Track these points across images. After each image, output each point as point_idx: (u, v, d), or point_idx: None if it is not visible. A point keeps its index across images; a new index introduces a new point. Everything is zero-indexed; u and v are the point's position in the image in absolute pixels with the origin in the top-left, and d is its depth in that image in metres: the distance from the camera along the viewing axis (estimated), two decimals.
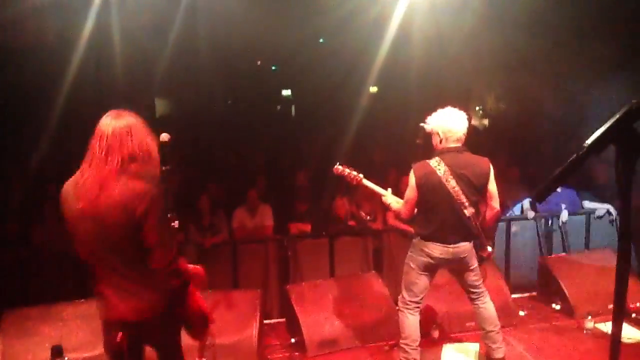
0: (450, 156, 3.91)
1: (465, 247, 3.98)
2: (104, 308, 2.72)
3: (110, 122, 2.59)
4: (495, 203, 4.02)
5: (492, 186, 4.01)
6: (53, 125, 9.01)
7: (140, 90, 11.46)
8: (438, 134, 3.96)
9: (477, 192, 3.94)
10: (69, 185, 2.62)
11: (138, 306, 2.65)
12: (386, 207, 4.39)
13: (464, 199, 3.87)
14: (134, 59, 9.38)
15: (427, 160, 3.96)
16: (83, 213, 2.52)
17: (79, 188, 2.55)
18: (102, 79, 9.90)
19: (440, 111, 3.98)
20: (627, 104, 1.60)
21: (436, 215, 3.91)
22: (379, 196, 4.32)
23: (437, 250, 3.93)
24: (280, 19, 9.31)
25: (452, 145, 3.93)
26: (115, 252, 2.57)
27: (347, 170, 4.31)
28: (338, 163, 4.37)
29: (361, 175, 4.30)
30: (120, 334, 2.66)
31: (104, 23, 7.65)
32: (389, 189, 4.28)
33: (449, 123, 3.92)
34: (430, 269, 4.04)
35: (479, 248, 4.08)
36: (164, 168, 3.75)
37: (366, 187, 4.32)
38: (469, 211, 3.90)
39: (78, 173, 2.60)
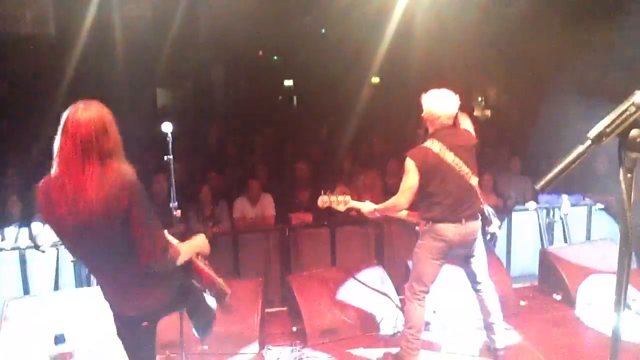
0: (442, 134, 3.92)
1: (475, 226, 3.98)
2: (111, 305, 2.73)
3: (82, 117, 2.42)
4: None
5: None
6: (54, 116, 9.02)
7: (142, 80, 11.45)
8: (428, 115, 3.98)
9: (473, 158, 3.98)
10: (44, 191, 2.46)
11: (143, 303, 2.66)
12: (371, 215, 4.30)
13: (465, 168, 3.89)
14: (136, 49, 9.37)
15: (422, 144, 3.97)
16: (65, 220, 2.41)
17: (57, 193, 2.40)
18: (103, 69, 9.89)
19: (429, 93, 3.97)
20: (630, 95, 1.60)
21: (444, 194, 3.88)
22: (365, 205, 4.28)
23: (450, 230, 3.90)
24: (282, 10, 9.28)
25: (441, 125, 3.94)
26: (106, 253, 2.50)
27: (333, 198, 4.26)
28: (322, 192, 4.31)
29: (349, 197, 4.27)
30: (145, 323, 2.71)
31: (105, 13, 7.63)
32: (367, 201, 4.27)
33: (435, 105, 3.93)
34: (443, 255, 3.99)
35: (486, 223, 4.09)
36: (165, 158, 3.77)
37: (353, 207, 4.29)
38: (473, 180, 3.92)
39: (53, 177, 2.45)
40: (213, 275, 2.92)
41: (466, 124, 4.16)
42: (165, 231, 2.68)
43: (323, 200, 4.28)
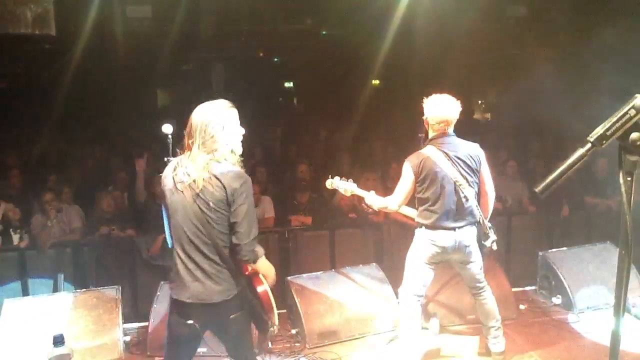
0: (441, 141, 3.93)
1: (469, 234, 3.98)
2: (177, 289, 2.86)
3: (208, 114, 2.84)
4: (489, 188, 4.05)
5: (486, 171, 4.04)
6: (55, 115, 9.02)
7: (143, 81, 11.45)
8: (427, 120, 3.99)
9: (474, 173, 3.96)
10: (168, 172, 2.89)
11: (213, 288, 2.81)
12: (369, 208, 4.34)
13: (461, 180, 3.89)
14: (137, 49, 9.37)
15: (420, 150, 3.97)
16: (185, 196, 2.77)
17: (180, 173, 2.80)
18: (104, 69, 9.90)
19: (430, 98, 3.98)
20: (630, 98, 1.60)
21: (438, 202, 3.90)
22: (362, 198, 4.30)
23: (443, 237, 3.92)
24: (283, 11, 9.28)
25: (441, 131, 3.94)
26: (204, 233, 2.78)
27: (341, 183, 4.29)
28: (330, 176, 4.34)
29: (354, 185, 4.28)
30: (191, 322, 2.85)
31: (106, 14, 7.63)
32: (372, 191, 4.28)
33: (436, 110, 3.93)
34: (436, 260, 4.01)
35: (482, 237, 4.08)
36: (166, 159, 3.76)
37: (358, 195, 4.31)
38: (468, 192, 3.91)
39: (177, 160, 2.88)
40: (273, 302, 3.03)
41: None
42: None
43: (331, 183, 4.31)
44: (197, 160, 2.79)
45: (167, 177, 2.90)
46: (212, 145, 2.81)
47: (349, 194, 4.33)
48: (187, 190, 2.79)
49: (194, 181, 2.78)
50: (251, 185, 2.87)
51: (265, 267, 3.02)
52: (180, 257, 2.85)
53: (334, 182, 4.30)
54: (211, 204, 2.76)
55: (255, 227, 2.87)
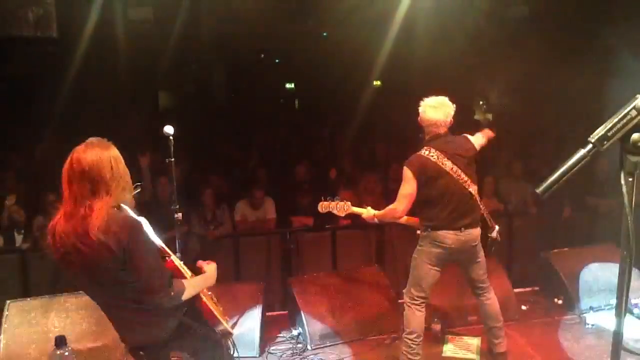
0: (439, 141, 3.93)
1: (475, 233, 3.97)
2: (119, 335, 2.74)
3: (87, 157, 2.43)
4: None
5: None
6: (57, 117, 9.03)
7: (144, 83, 11.46)
8: (423, 122, 3.99)
9: (472, 166, 3.98)
10: (52, 228, 2.51)
11: (139, 338, 2.67)
12: (371, 221, 4.32)
13: (464, 176, 3.89)
14: (138, 51, 9.38)
15: (419, 153, 3.97)
16: (70, 260, 2.47)
17: (64, 230, 2.44)
18: (106, 71, 9.90)
19: (425, 100, 3.99)
20: (632, 98, 1.59)
21: (443, 202, 3.89)
22: (360, 214, 4.30)
23: (449, 238, 3.90)
24: (284, 13, 9.29)
25: (435, 133, 3.95)
26: (111, 290, 2.52)
27: (333, 204, 4.28)
28: (322, 198, 4.33)
29: (349, 204, 4.28)
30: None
31: (108, 16, 7.64)
32: (368, 207, 4.27)
33: (427, 113, 3.94)
34: (441, 262, 4.00)
35: (487, 229, 4.07)
36: (167, 160, 3.78)
37: (354, 212, 4.31)
38: (472, 189, 3.91)
39: (58, 215, 2.49)
40: (217, 315, 2.88)
41: (478, 138, 4.15)
42: (177, 256, 2.71)
43: (323, 206, 4.30)
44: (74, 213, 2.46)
45: None
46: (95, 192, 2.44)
47: (343, 215, 4.31)
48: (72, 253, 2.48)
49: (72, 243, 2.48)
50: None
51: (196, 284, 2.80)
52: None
53: (326, 204, 4.29)
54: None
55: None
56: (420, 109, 3.98)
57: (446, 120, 3.94)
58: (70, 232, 2.41)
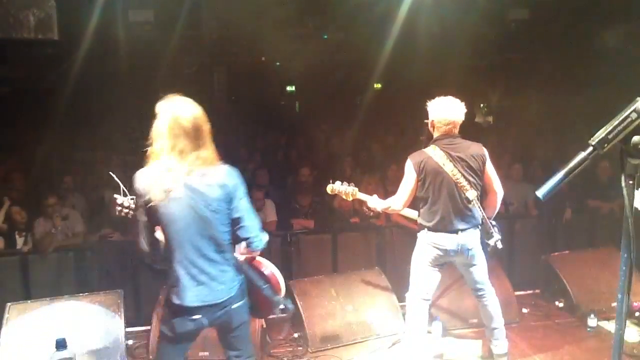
0: (445, 142, 3.94)
1: (472, 236, 3.97)
2: (180, 294, 2.81)
3: (189, 112, 2.75)
4: (497, 186, 4.05)
5: (490, 169, 4.03)
6: (57, 119, 9.04)
7: (145, 85, 11.45)
8: (433, 122, 3.99)
9: (476, 175, 3.95)
10: (150, 174, 2.72)
11: (218, 288, 2.82)
12: (373, 211, 4.37)
13: (463, 181, 3.88)
14: (139, 54, 9.38)
15: (423, 149, 3.97)
16: (182, 203, 2.70)
17: (169, 174, 2.68)
18: (107, 74, 9.90)
19: (435, 100, 4.00)
20: (633, 101, 1.59)
21: (439, 203, 3.90)
22: (365, 203, 4.30)
23: (445, 240, 3.91)
24: (285, 15, 9.29)
25: (446, 132, 3.95)
26: (207, 236, 2.77)
27: (342, 187, 4.28)
28: (330, 181, 4.34)
29: (356, 189, 4.28)
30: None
31: (109, 19, 7.65)
32: (375, 195, 4.28)
33: (441, 111, 3.94)
34: (439, 263, 4.01)
35: (486, 236, 4.06)
36: None
37: (360, 199, 4.31)
38: (470, 194, 3.90)
39: (160, 161, 2.71)
40: (280, 280, 3.15)
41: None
42: None
43: (332, 189, 4.30)
44: (184, 162, 2.71)
45: (152, 188, 2.70)
46: (198, 144, 2.74)
47: (350, 198, 4.32)
48: (183, 196, 2.71)
49: (188, 185, 2.72)
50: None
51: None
52: (181, 262, 2.79)
53: (335, 187, 4.30)
54: (212, 204, 2.73)
55: (257, 216, 2.92)
56: (432, 108, 3.99)
57: (459, 120, 3.95)
58: None
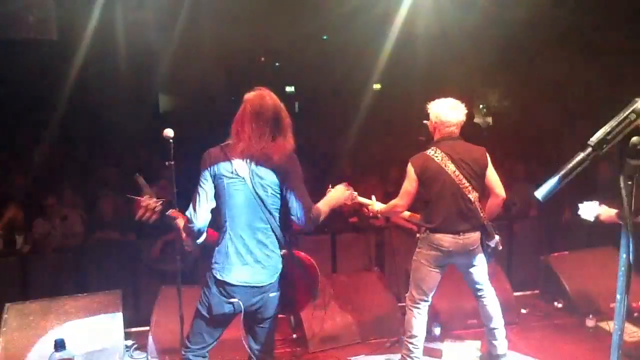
0: (446, 144, 3.93)
1: (474, 237, 3.96)
2: (224, 270, 2.92)
3: (271, 102, 2.95)
4: (499, 190, 4.04)
5: (492, 173, 4.02)
6: (57, 119, 9.04)
7: (145, 86, 11.47)
8: (433, 123, 3.99)
9: (478, 177, 3.94)
10: (223, 151, 2.95)
11: (261, 272, 2.93)
12: (374, 215, 4.38)
13: (465, 182, 3.87)
14: (138, 54, 9.39)
15: (424, 151, 3.97)
16: (246, 182, 2.87)
17: (240, 154, 2.88)
18: (106, 74, 9.91)
19: (436, 101, 3.99)
20: (631, 101, 1.59)
21: (441, 204, 3.89)
22: (366, 205, 4.31)
23: (446, 241, 3.91)
24: (284, 16, 9.30)
25: (448, 134, 3.94)
26: (262, 218, 2.90)
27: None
28: (330, 185, 4.32)
29: (355, 193, 4.26)
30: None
31: (108, 19, 7.65)
32: (373, 197, 4.28)
33: (443, 113, 3.93)
34: (440, 264, 4.00)
35: (487, 237, 4.06)
36: (167, 163, 3.76)
37: (360, 203, 4.31)
38: (472, 195, 3.90)
39: (234, 143, 2.92)
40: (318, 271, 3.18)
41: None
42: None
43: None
44: (258, 146, 2.87)
45: (222, 163, 2.94)
46: (276, 131, 2.91)
47: (349, 202, 4.31)
48: (246, 175, 2.89)
49: (254, 167, 2.89)
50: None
51: None
52: (232, 239, 2.93)
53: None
54: (269, 188, 2.88)
55: (305, 202, 2.99)
56: (433, 109, 3.98)
57: (461, 121, 3.95)
58: None
